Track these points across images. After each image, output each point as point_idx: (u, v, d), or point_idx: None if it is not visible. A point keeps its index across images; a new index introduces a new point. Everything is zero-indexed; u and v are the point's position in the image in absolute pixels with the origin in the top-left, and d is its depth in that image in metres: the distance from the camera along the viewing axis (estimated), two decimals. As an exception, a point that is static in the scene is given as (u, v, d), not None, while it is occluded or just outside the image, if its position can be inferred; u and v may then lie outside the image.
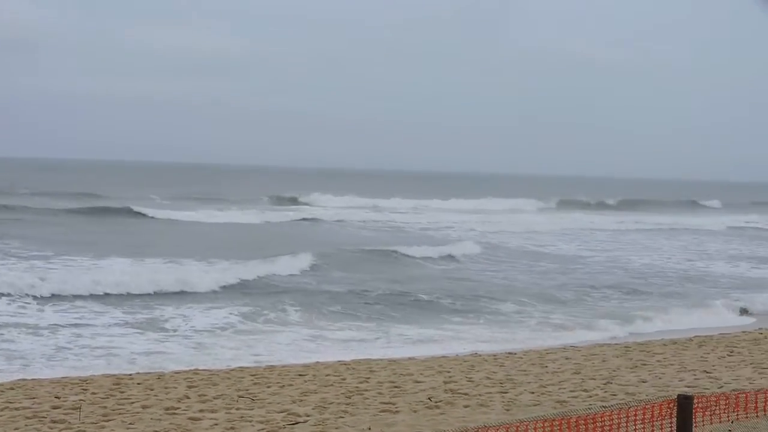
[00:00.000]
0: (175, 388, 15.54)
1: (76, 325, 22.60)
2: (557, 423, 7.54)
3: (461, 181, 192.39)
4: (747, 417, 8.36)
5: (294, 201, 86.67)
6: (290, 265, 33.83)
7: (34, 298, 25.87)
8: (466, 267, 38.34)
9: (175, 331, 22.44)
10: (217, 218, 61.19)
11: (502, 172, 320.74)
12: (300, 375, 16.90)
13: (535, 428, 7.43)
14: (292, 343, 21.71)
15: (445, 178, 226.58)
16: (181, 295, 27.23)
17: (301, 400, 14.69)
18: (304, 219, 65.11)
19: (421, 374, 16.98)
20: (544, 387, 15.82)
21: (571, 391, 15.41)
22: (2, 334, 21.16)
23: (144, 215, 60.68)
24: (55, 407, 13.92)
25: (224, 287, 29.07)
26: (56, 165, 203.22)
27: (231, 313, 24.75)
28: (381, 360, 18.77)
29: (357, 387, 15.78)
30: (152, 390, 15.35)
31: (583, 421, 7.50)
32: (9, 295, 25.80)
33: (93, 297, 26.57)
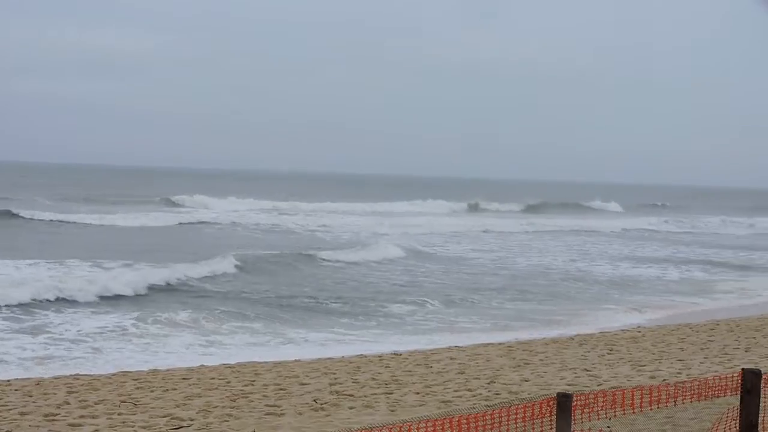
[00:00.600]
0: (55, 394, 15.20)
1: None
2: (440, 423, 7.60)
3: (369, 184, 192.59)
4: (624, 413, 8.56)
5: (180, 204, 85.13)
6: (186, 270, 33.24)
7: None
8: (355, 270, 38.36)
9: (61, 335, 21.94)
10: (107, 221, 59.85)
11: (414, 174, 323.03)
12: (184, 379, 16.71)
13: (418, 429, 7.48)
14: (181, 346, 21.42)
15: (344, 180, 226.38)
16: (61, 302, 26.52)
17: (185, 404, 14.53)
18: (201, 222, 64.04)
19: (307, 376, 16.95)
20: (429, 387, 15.96)
21: (456, 391, 15.58)
22: None
23: (23, 217, 59.09)
24: (-75, 415, 13.50)
25: (114, 295, 28.29)
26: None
27: (121, 318, 24.29)
28: (266, 363, 18.68)
29: (242, 390, 15.67)
30: (31, 396, 14.99)
31: (465, 421, 7.58)
32: None
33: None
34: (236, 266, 35.52)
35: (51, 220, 58.69)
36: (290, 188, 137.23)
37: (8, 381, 16.45)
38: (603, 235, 66.08)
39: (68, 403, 14.47)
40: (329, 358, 19.42)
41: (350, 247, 46.54)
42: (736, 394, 8.62)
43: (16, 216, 59.18)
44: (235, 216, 69.34)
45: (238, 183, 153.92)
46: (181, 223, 62.36)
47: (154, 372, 17.55)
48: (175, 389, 15.72)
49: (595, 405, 8.19)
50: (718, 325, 24.31)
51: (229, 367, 18.14)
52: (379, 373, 17.31)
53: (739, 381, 8.51)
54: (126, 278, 29.49)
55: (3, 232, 49.25)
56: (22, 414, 13.71)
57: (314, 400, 14.83)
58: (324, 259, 40.17)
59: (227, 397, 15.09)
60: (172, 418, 13.53)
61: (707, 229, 77.85)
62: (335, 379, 16.72)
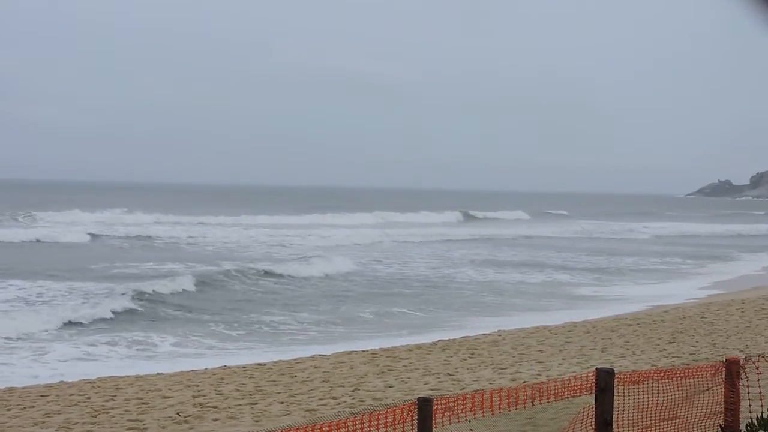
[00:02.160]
0: None
1: None
2: (304, 431, 7.63)
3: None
4: (485, 416, 8.73)
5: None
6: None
7: None
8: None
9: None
10: None
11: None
12: (42, 396, 16.28)
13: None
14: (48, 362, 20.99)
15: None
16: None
17: (44, 422, 14.18)
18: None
19: (170, 389, 16.74)
20: (294, 396, 15.96)
21: (320, 399, 15.62)
22: None
23: None
24: None
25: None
26: None
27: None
28: (128, 377, 18.36)
29: (103, 405, 15.37)
30: None
31: (329, 428, 7.63)
32: None
33: None
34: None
35: None
36: (140, 200, 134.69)
37: None
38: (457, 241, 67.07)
39: None
40: (192, 370, 19.22)
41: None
42: (593, 393, 8.90)
43: None
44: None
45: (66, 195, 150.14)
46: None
47: (11, 390, 17.06)
48: (33, 407, 15.32)
49: (456, 408, 8.34)
50: (575, 326, 24.97)
51: (89, 382, 17.75)
52: (244, 384, 17.22)
53: (594, 380, 8.78)
54: None
55: None
56: None
57: (177, 413, 14.67)
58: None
59: (88, 413, 14.79)
60: (30, 437, 13.21)
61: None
62: (198, 391, 16.56)
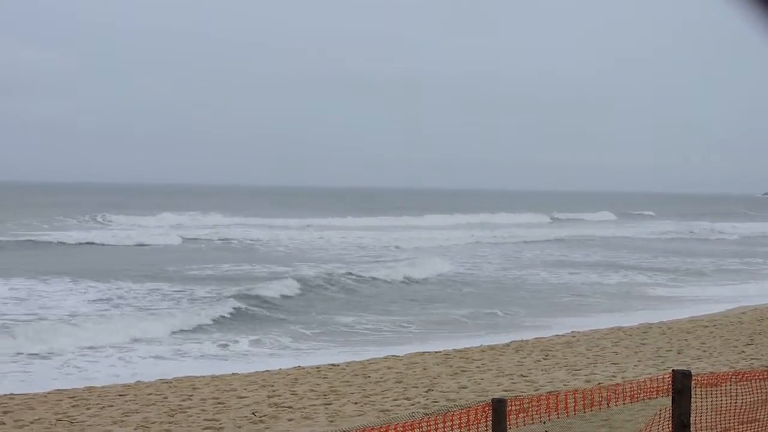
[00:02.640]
0: (-10, 414, 15.01)
1: None
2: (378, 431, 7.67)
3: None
4: (559, 417, 8.69)
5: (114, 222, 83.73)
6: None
7: None
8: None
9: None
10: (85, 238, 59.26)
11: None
12: (120, 395, 16.56)
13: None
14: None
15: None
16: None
17: (122, 421, 14.42)
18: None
19: (245, 389, 16.91)
20: (368, 397, 16.01)
21: (394, 400, 15.66)
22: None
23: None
24: None
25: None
26: None
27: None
28: (204, 377, 18.57)
29: (180, 405, 15.59)
30: (-36, 417, 14.78)
31: (403, 428, 7.66)
32: None
33: None
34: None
35: (38, 241, 57.69)
36: (220, 202, 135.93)
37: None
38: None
39: (3, 423, 14.28)
40: (266, 371, 19.38)
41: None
42: (669, 395, 8.81)
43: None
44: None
45: (157, 198, 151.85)
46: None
47: (90, 389, 17.38)
48: (112, 406, 15.59)
49: (531, 409, 8.32)
50: (651, 328, 24.70)
51: (166, 382, 18.01)
52: (318, 385, 17.32)
53: (671, 382, 8.69)
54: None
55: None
56: (-44, 435, 13.53)
57: (253, 413, 14.81)
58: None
59: (165, 412, 15.01)
60: (109, 436, 13.44)
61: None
62: (273, 391, 16.71)
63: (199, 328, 25.62)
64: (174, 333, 24.70)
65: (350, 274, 38.61)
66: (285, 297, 31.76)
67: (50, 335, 22.96)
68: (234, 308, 28.45)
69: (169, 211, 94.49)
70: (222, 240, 63.43)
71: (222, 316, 27.32)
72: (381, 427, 7.79)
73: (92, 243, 58.08)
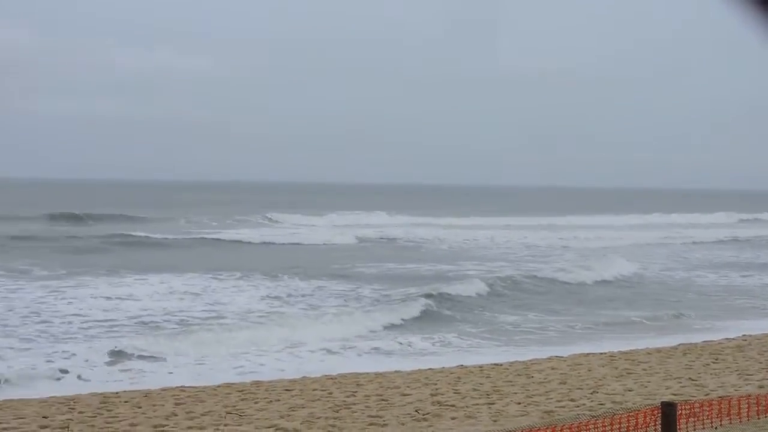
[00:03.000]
0: (163, 405, 15.53)
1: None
2: (544, 432, 7.60)
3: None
4: (731, 422, 8.45)
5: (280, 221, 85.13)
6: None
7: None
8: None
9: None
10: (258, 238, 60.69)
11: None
12: (287, 390, 16.91)
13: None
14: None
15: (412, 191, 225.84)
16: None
17: (289, 415, 14.71)
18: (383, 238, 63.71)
19: (408, 387, 17.02)
20: (531, 397, 15.89)
21: (558, 401, 15.49)
22: None
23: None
24: (42, 426, 13.89)
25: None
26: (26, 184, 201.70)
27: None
28: (367, 373, 18.78)
29: (344, 401, 15.80)
30: (140, 408, 15.33)
31: (569, 430, 7.58)
32: None
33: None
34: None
35: (208, 238, 59.28)
36: (388, 201, 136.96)
37: (117, 393, 16.86)
38: None
39: (176, 415, 14.76)
40: (429, 369, 19.45)
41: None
42: None
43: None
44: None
45: (315, 197, 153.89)
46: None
47: (258, 384, 17.80)
48: (279, 400, 15.93)
49: (701, 414, 8.11)
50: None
51: (331, 378, 18.30)
52: (481, 384, 17.29)
53: None
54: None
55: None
56: (132, 425, 14.03)
57: (416, 411, 14.89)
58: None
59: (330, 408, 15.24)
60: (277, 429, 13.72)
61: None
62: (436, 389, 16.76)
63: (364, 324, 25.76)
64: (340, 328, 24.94)
65: (533, 275, 38.01)
66: (467, 297, 31.31)
67: (223, 332, 23.68)
68: (410, 307, 28.25)
69: (331, 210, 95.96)
70: (387, 239, 63.78)
71: (396, 315, 27.38)
72: (546, 428, 7.72)
73: (267, 243, 58.93)
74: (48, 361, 19.96)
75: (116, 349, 20.98)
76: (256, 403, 15.75)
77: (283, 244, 58.57)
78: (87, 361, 19.99)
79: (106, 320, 25.38)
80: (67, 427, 13.79)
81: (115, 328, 24.20)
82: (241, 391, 16.91)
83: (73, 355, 20.60)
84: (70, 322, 24.77)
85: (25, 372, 18.75)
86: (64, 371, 18.97)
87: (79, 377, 18.66)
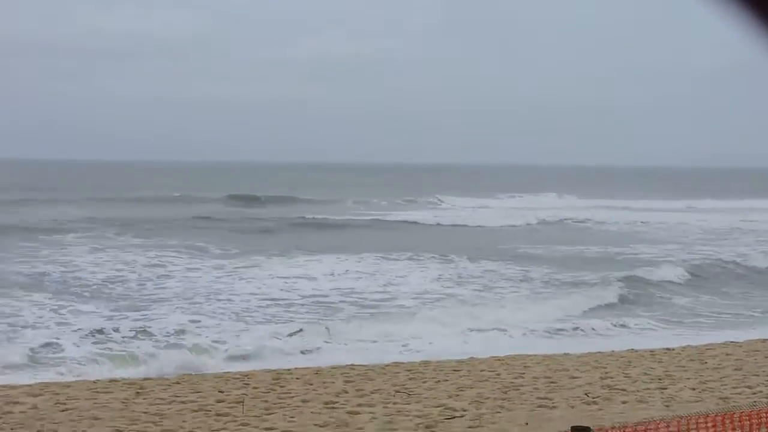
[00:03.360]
0: (333, 383, 15.81)
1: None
2: (720, 419, 7.39)
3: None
4: None
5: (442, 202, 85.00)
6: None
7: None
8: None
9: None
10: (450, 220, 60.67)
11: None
12: (455, 370, 16.96)
13: (697, 424, 7.29)
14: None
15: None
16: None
17: (457, 395, 14.76)
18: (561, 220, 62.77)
19: (577, 370, 16.84)
20: (705, 383, 15.50)
21: (734, 388, 15.06)
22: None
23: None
24: (219, 401, 14.34)
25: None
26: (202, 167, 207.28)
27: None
28: (535, 355, 18.65)
29: (512, 382, 15.75)
30: (311, 384, 15.66)
31: (747, 417, 7.34)
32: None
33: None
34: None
35: (379, 219, 59.90)
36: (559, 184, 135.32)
37: (289, 370, 17.25)
38: None
39: (346, 392, 15.01)
40: (598, 352, 19.18)
41: None
42: None
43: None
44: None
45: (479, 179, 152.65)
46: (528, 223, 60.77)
47: (426, 363, 17.91)
48: (447, 380, 16.00)
49: None
50: None
51: (499, 359, 18.24)
52: (652, 368, 16.95)
53: None
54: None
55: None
56: (304, 401, 14.34)
57: (586, 394, 14.72)
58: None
59: (498, 389, 15.21)
60: (445, 408, 13.79)
61: None
62: (606, 373, 16.52)
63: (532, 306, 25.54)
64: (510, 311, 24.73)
65: (709, 259, 36.73)
66: (653, 281, 30.40)
67: (396, 312, 24.02)
68: (606, 291, 27.94)
69: (498, 192, 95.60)
70: (555, 220, 62.38)
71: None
72: (721, 415, 7.51)
73: (436, 224, 58.90)
74: (234, 336, 20.55)
75: (291, 328, 21.41)
76: (424, 382, 15.86)
77: (452, 225, 58.58)
78: (262, 337, 20.46)
79: (282, 299, 25.91)
80: (242, 402, 14.20)
81: (292, 308, 24.65)
82: (410, 370, 17.05)
83: (247, 331, 21.15)
84: (248, 300, 25.43)
85: (209, 346, 19.43)
86: (242, 348, 19.49)
87: (255, 354, 19.12)
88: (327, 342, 20.43)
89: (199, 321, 22.15)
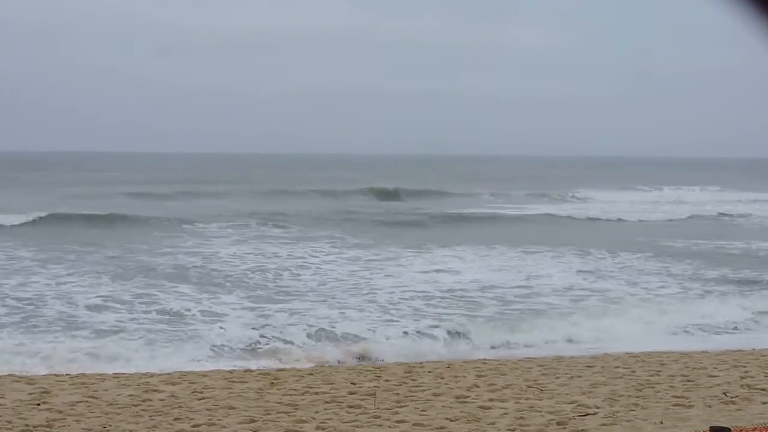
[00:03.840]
0: (465, 377, 15.81)
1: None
2: None
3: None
4: None
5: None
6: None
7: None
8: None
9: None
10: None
11: None
12: (588, 366, 16.75)
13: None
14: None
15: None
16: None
17: (590, 392, 14.58)
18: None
19: (715, 368, 16.42)
20: None
21: None
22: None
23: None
24: (351, 393, 14.51)
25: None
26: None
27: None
28: (672, 352, 18.27)
29: (647, 380, 15.47)
30: (442, 378, 15.70)
31: None
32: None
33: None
34: None
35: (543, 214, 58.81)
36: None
37: (421, 363, 17.33)
38: None
39: (477, 387, 14.99)
40: (738, 351, 18.66)
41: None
42: None
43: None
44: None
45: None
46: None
47: (559, 359, 17.75)
48: (580, 376, 15.82)
49: None
50: None
51: (634, 356, 17.94)
52: (797, 369, 16.41)
53: None
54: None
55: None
56: (435, 395, 14.39)
57: (724, 393, 14.36)
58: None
59: (632, 386, 14.96)
60: (578, 405, 13.64)
61: None
62: (746, 372, 16.07)
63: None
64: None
65: None
66: None
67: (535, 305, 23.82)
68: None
69: (637, 184, 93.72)
70: (697, 215, 60.76)
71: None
72: None
73: (573, 217, 57.66)
74: (384, 327, 20.71)
75: (430, 321, 21.43)
76: (557, 378, 15.72)
77: (591, 219, 57.66)
78: (409, 330, 20.48)
79: (422, 292, 25.90)
80: (374, 394, 14.33)
81: (432, 301, 24.60)
82: (542, 365, 16.92)
83: (393, 324, 21.19)
84: (391, 293, 25.55)
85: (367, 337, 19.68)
86: (392, 341, 19.62)
87: (392, 347, 19.21)
88: (457, 336, 20.40)
89: (344, 313, 22.38)
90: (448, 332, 20.37)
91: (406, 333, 20.21)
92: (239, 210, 54.06)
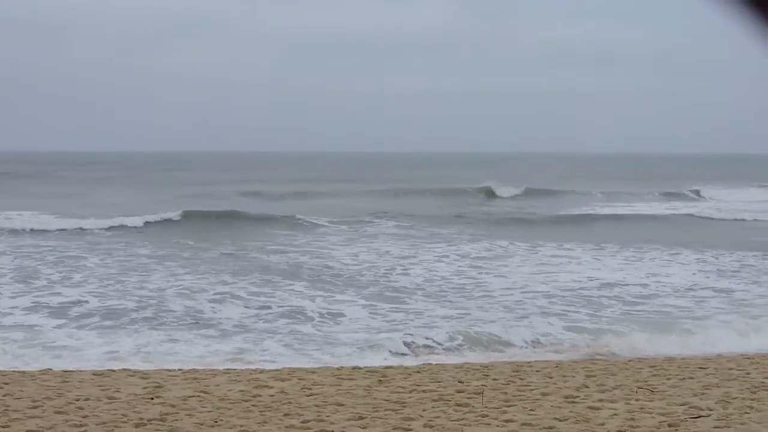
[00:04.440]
0: (573, 377, 15.68)
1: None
2: None
3: None
4: None
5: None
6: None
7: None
8: None
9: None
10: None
11: None
12: (701, 368, 16.45)
13: None
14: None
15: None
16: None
17: (703, 394, 14.31)
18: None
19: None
20: None
21: None
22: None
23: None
24: (459, 391, 14.52)
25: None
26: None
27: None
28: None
29: (762, 382, 15.11)
30: (551, 378, 15.59)
31: None
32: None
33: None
34: None
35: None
36: None
37: (530, 362, 17.25)
38: None
39: (587, 387, 14.85)
40: None
41: None
42: None
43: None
44: None
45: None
46: None
47: (670, 360, 17.47)
48: (692, 378, 15.54)
49: None
50: None
51: (748, 358, 17.55)
52: None
53: None
54: None
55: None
56: (543, 394, 14.30)
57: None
58: None
59: (747, 388, 14.64)
60: (690, 407, 13.41)
61: None
62: None
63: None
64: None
65: None
66: None
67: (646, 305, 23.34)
68: None
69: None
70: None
71: None
72: None
73: (690, 215, 56.54)
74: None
75: (553, 320, 21.34)
76: (668, 379, 15.47)
77: (710, 218, 56.35)
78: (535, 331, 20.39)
79: (541, 291, 25.75)
80: (482, 393, 14.32)
81: (552, 299, 24.45)
82: (653, 366, 16.67)
83: (517, 326, 21.01)
84: (510, 293, 25.47)
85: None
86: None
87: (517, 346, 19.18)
88: (570, 334, 20.24)
89: (470, 313, 22.34)
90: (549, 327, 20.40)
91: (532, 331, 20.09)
92: (353, 208, 54.59)
